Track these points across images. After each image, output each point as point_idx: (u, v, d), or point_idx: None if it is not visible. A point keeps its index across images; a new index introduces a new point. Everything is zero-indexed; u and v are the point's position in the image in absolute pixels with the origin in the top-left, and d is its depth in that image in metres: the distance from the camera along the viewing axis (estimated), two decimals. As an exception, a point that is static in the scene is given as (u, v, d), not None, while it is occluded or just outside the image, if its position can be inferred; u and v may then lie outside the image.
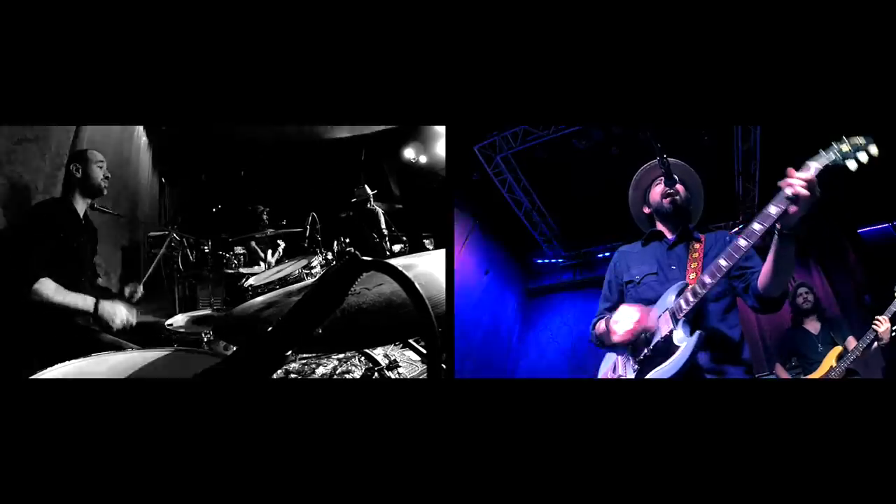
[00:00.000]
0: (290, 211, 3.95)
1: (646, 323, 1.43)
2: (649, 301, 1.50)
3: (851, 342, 2.45)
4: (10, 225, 2.20)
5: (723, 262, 1.31)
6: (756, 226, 1.26)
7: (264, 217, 3.79)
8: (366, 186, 3.70)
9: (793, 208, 1.17)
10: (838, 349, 2.51)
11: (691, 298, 1.37)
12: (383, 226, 3.57)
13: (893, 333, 2.33)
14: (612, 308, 1.62)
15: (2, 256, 2.11)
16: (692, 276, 1.46)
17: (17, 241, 2.09)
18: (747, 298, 1.40)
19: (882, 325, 2.33)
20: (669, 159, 1.65)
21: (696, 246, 1.53)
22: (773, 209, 1.22)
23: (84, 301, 2.03)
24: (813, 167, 1.18)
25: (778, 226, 1.22)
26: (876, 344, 2.36)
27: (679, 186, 1.61)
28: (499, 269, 5.20)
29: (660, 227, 1.65)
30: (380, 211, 3.62)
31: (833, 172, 1.19)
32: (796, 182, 1.16)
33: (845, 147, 1.19)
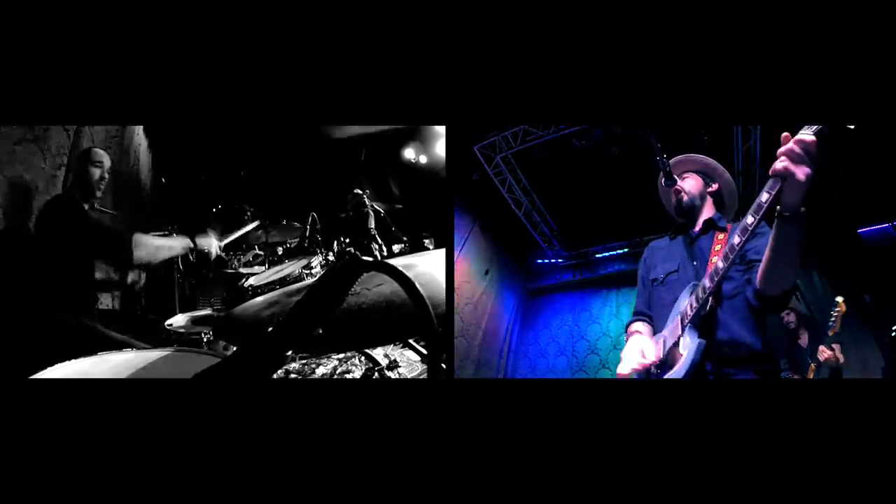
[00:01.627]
0: (291, 211, 3.95)
1: (653, 358, 1.37)
2: (672, 301, 1.45)
3: (820, 351, 2.53)
4: (13, 226, 2.20)
5: (720, 264, 1.23)
6: (749, 218, 1.13)
7: (247, 217, 3.78)
8: (357, 190, 3.71)
9: (789, 186, 1.02)
10: (814, 366, 2.60)
11: (694, 304, 1.30)
12: (371, 225, 3.56)
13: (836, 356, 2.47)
14: (646, 303, 1.60)
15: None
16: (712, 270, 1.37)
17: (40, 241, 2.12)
18: (748, 293, 1.30)
19: (824, 353, 2.47)
20: (695, 155, 1.64)
21: (721, 237, 1.44)
22: (763, 196, 1.08)
23: (181, 242, 2.27)
24: (807, 132, 1.01)
25: (779, 208, 1.06)
26: (829, 367, 2.49)
27: (684, 183, 1.57)
28: (499, 269, 5.20)
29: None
30: (371, 212, 3.61)
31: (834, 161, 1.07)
32: (780, 155, 1.01)
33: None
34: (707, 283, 1.28)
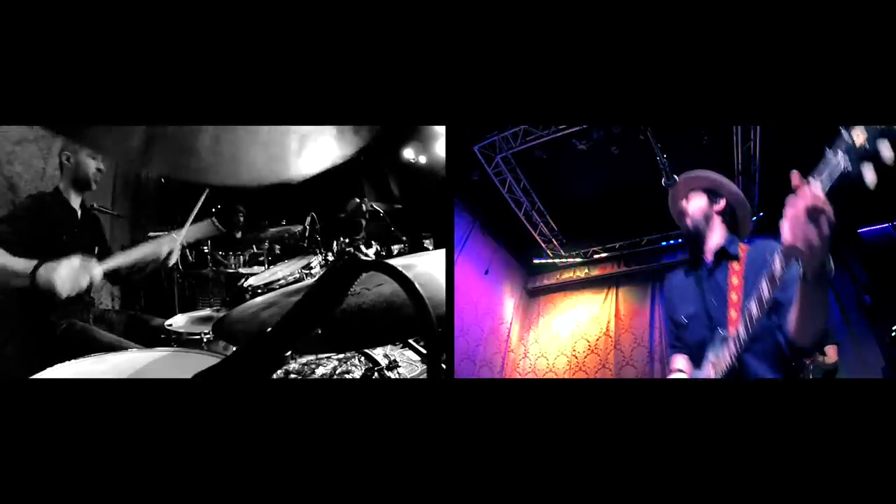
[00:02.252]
0: (290, 211, 3.95)
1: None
2: (698, 345, 1.36)
3: (830, 351, 2.57)
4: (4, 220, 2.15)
5: (754, 311, 1.13)
6: (764, 289, 1.07)
7: (240, 218, 3.78)
8: (357, 199, 3.73)
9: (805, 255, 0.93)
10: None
11: (729, 359, 1.20)
12: (361, 236, 3.60)
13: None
14: (677, 338, 1.50)
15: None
16: (733, 313, 1.27)
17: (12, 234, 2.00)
18: (780, 339, 1.21)
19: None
20: (697, 172, 1.54)
21: (736, 267, 1.33)
22: (777, 266, 1.02)
23: (24, 264, 1.70)
24: (814, 188, 0.91)
25: (801, 269, 0.99)
26: (819, 368, 2.58)
27: (688, 205, 1.50)
28: (499, 269, 5.20)
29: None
30: (363, 221, 3.64)
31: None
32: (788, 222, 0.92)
33: (861, 137, 0.85)
34: (742, 330, 1.19)
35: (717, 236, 1.45)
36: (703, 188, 1.52)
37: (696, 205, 1.49)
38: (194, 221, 2.45)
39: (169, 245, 2.21)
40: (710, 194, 1.50)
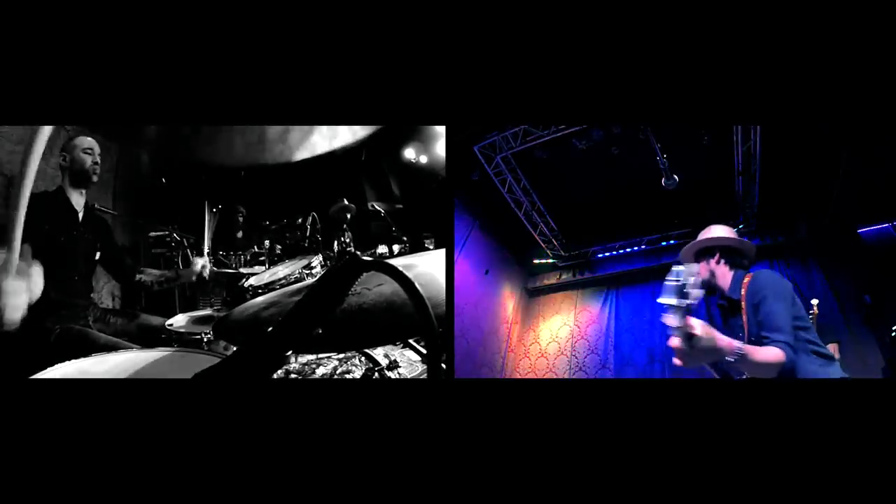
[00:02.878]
0: (291, 211, 3.96)
1: None
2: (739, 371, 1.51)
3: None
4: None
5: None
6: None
7: (239, 219, 3.77)
8: (345, 200, 3.75)
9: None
10: None
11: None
12: (346, 238, 3.63)
13: None
14: None
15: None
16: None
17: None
18: None
19: None
20: (684, 250, 1.67)
21: (743, 306, 1.50)
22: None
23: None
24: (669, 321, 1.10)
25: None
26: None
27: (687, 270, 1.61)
28: (499, 269, 5.21)
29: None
30: (347, 223, 3.65)
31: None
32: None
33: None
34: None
35: (725, 283, 1.59)
36: (699, 253, 1.65)
37: (702, 270, 1.62)
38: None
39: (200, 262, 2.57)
40: (705, 255, 1.64)
